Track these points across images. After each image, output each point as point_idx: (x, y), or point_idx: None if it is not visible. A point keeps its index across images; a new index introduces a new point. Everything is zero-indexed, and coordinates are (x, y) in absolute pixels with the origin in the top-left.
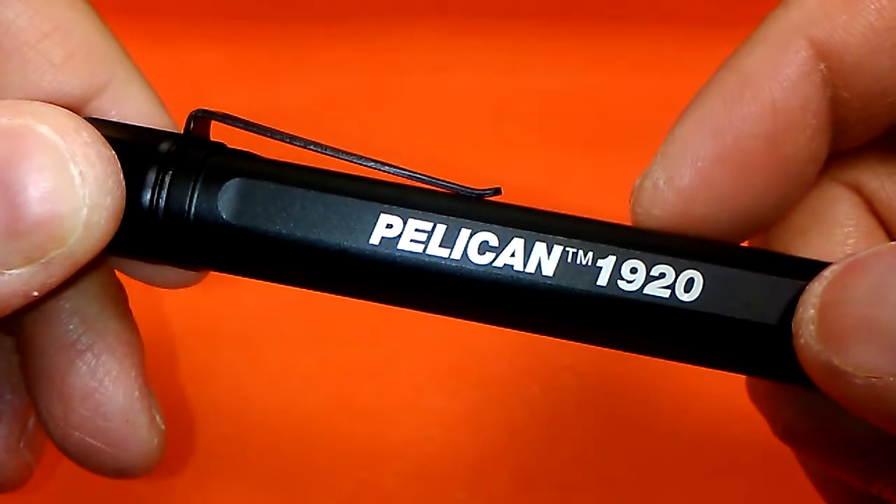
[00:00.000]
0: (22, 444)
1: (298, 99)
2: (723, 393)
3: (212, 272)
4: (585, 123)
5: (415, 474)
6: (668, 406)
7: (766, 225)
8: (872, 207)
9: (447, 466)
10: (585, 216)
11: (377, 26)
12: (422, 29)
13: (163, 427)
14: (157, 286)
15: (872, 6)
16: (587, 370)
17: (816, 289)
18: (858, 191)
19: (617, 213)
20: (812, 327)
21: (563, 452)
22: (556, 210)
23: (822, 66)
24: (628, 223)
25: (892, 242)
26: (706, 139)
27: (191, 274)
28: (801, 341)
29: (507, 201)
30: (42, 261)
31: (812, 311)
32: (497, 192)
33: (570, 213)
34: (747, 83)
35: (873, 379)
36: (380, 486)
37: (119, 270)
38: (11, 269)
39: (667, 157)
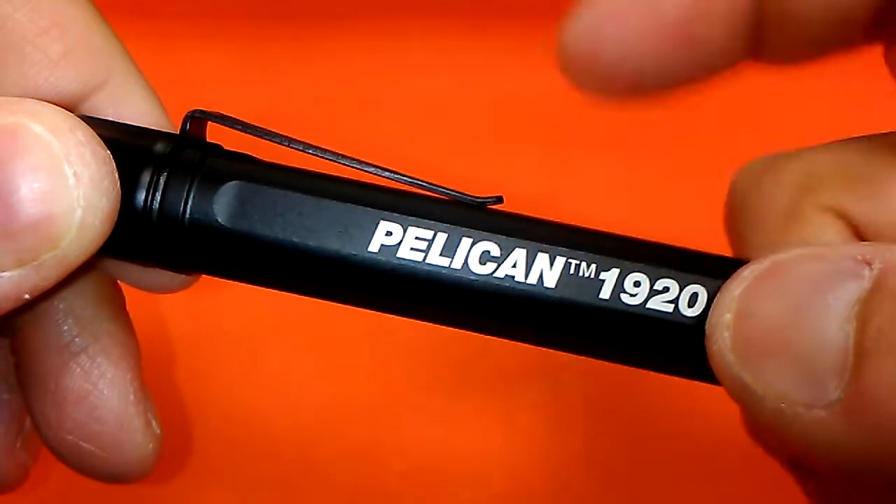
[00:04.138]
0: (19, 445)
1: (297, 99)
2: (726, 394)
3: (202, 276)
4: (586, 124)
5: (415, 474)
6: (670, 406)
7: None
8: (857, 230)
9: (448, 466)
10: (588, 227)
11: (377, 26)
12: (422, 29)
13: (158, 431)
14: (144, 290)
15: None
16: (589, 369)
17: (734, 291)
18: (842, 215)
19: (618, 214)
20: (727, 335)
21: (564, 452)
22: (556, 214)
23: None
24: (630, 230)
25: (814, 248)
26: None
27: (180, 278)
28: (715, 347)
29: (508, 202)
30: (34, 263)
31: (728, 315)
32: (499, 200)
33: (572, 224)
34: None
35: (782, 405)
36: (380, 487)
37: (106, 273)
38: (3, 272)
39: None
